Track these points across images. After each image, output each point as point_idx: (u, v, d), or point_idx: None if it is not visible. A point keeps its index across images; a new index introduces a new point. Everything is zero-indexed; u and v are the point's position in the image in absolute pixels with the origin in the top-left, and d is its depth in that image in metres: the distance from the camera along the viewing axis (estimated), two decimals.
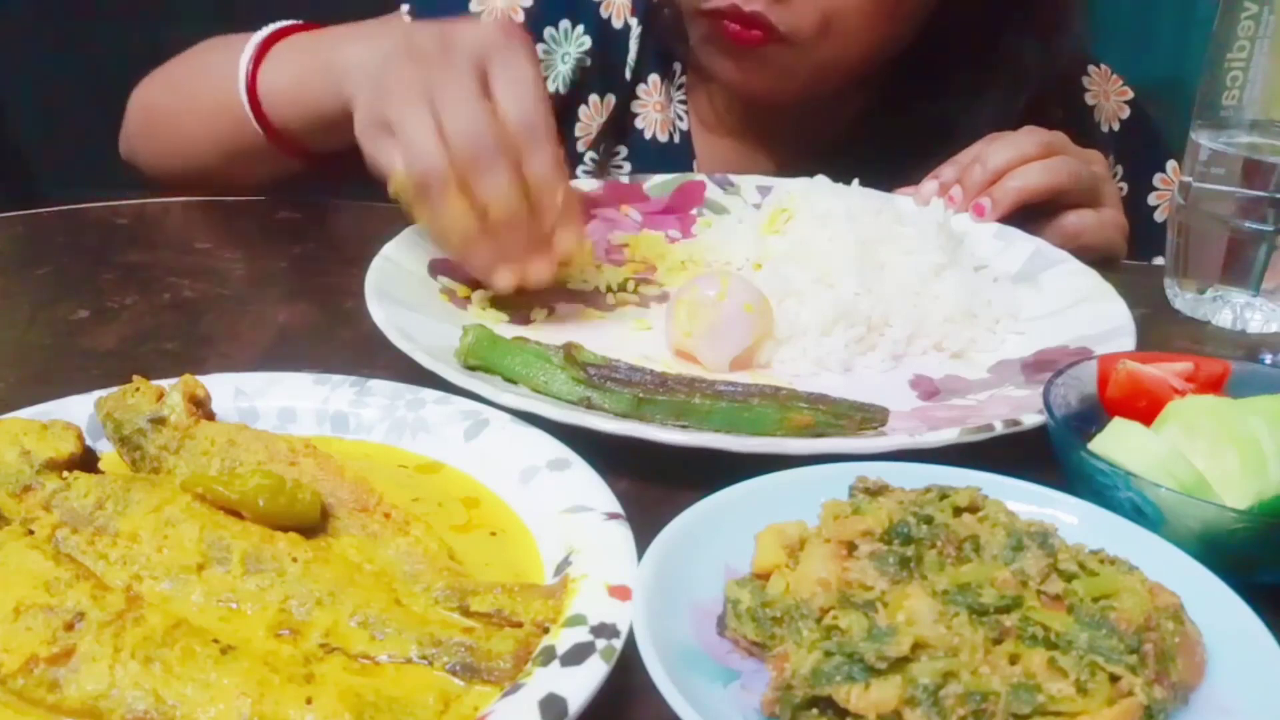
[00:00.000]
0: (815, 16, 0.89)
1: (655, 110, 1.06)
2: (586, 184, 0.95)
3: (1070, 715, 0.40)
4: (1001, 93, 0.98)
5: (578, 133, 1.05)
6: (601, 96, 1.04)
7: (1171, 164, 1.07)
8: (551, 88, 1.02)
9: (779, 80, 0.96)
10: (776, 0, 0.88)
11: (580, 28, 1.02)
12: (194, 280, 0.85)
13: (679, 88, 1.07)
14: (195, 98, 0.97)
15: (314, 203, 1.00)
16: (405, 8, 1.02)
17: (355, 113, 0.75)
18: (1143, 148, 1.08)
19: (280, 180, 0.99)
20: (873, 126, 1.03)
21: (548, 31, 1.02)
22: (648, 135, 1.06)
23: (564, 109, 1.03)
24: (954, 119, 0.97)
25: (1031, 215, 0.88)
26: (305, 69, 0.87)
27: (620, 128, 1.06)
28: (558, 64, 1.02)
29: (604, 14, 1.03)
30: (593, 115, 1.04)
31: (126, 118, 1.05)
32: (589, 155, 1.05)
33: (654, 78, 1.06)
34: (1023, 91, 0.98)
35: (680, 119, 1.07)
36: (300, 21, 0.93)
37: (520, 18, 1.02)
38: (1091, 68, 1.08)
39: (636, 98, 1.06)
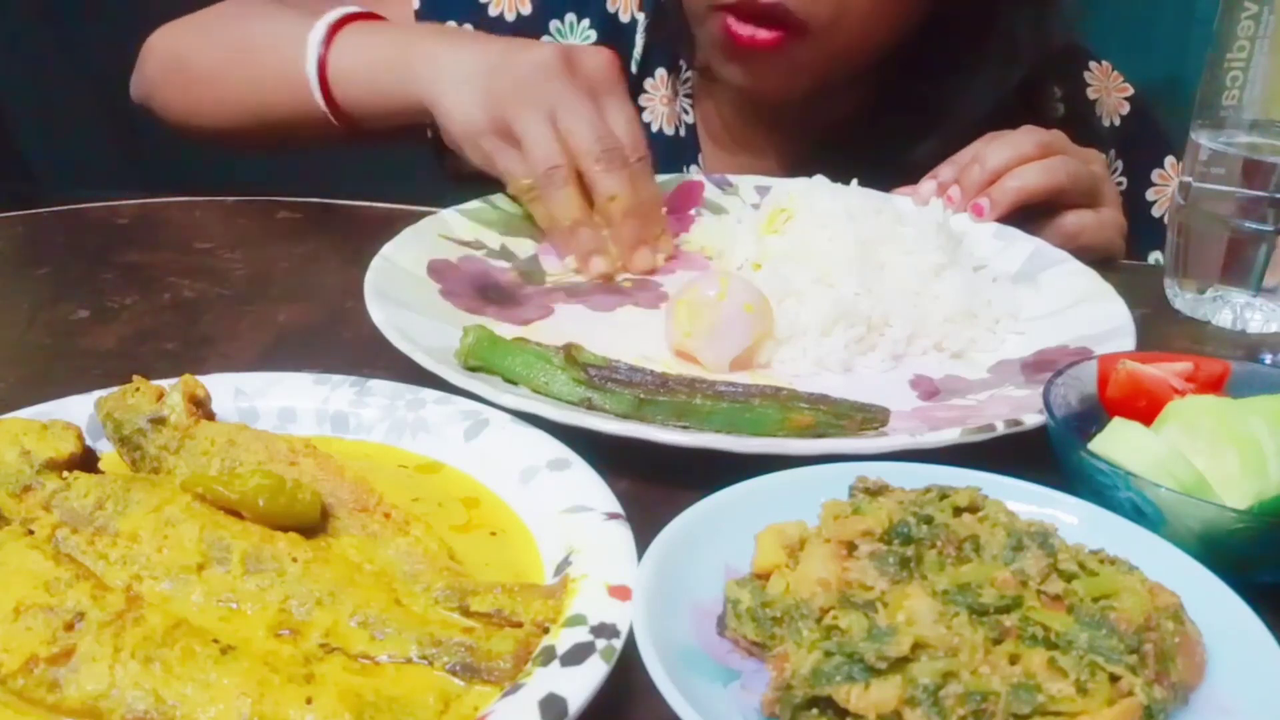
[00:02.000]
0: (831, 2, 0.89)
1: (661, 104, 1.07)
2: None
3: (1070, 715, 0.40)
4: (997, 70, 0.98)
5: None
6: None
7: (1170, 159, 1.08)
8: None
9: (789, 78, 0.96)
10: None
11: (586, 21, 1.03)
12: (194, 280, 0.85)
13: (685, 81, 1.07)
14: (248, 61, 0.98)
15: (314, 203, 1.01)
16: (416, 4, 1.02)
17: (455, 113, 0.83)
18: (1143, 143, 1.09)
19: (310, 147, 1.01)
20: (875, 114, 1.03)
21: (553, 24, 1.03)
22: (654, 129, 1.07)
23: None
24: (950, 99, 0.98)
25: (1031, 215, 0.88)
26: (382, 58, 0.89)
27: None
28: None
29: (611, 8, 1.04)
30: None
31: (146, 61, 1.06)
32: None
33: (660, 72, 1.06)
34: (1017, 69, 0.98)
35: (686, 112, 1.07)
36: (361, 9, 0.94)
37: (528, 10, 1.02)
38: (1093, 64, 1.09)
39: (644, 91, 1.07)
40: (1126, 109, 1.09)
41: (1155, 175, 1.09)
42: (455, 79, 0.84)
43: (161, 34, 1.06)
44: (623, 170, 0.82)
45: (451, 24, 1.03)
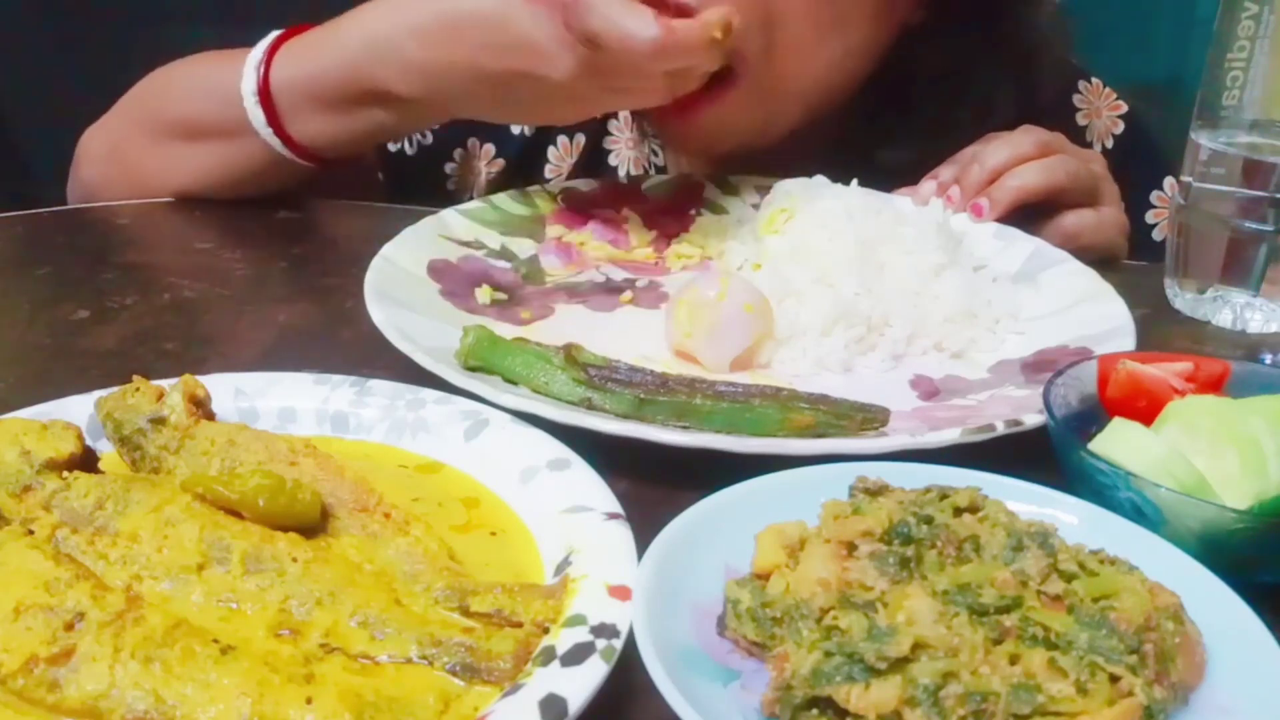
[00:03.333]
0: (760, 39, 0.83)
1: (627, 147, 1.06)
2: (584, 184, 0.95)
3: (1070, 715, 0.40)
4: (970, 130, 0.93)
5: (548, 174, 1.06)
6: (571, 137, 1.05)
7: (1170, 181, 1.02)
8: (517, 130, 1.04)
9: (733, 135, 0.91)
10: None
11: None
12: (194, 280, 0.85)
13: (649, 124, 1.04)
14: (193, 122, 0.94)
15: (314, 203, 1.00)
16: None
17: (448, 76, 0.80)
18: (1138, 164, 1.04)
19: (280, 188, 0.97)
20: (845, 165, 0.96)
21: None
22: (621, 172, 1.06)
23: (531, 150, 1.04)
24: (919, 159, 0.92)
25: (1031, 215, 0.88)
26: (322, 56, 0.86)
27: (594, 166, 1.06)
28: None
29: None
30: (562, 155, 1.05)
31: (80, 169, 1.01)
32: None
33: (625, 114, 1.05)
34: (993, 123, 0.93)
35: (655, 154, 1.06)
36: (287, 29, 0.90)
37: None
38: (1083, 83, 1.05)
39: (609, 134, 1.06)
40: (1120, 128, 1.05)
41: (1154, 197, 1.04)
42: (392, 39, 0.80)
43: (89, 137, 1.02)
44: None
45: None
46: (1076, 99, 1.05)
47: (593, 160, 1.06)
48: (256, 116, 0.88)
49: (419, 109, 0.87)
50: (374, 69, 0.84)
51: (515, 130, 1.04)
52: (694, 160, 1.03)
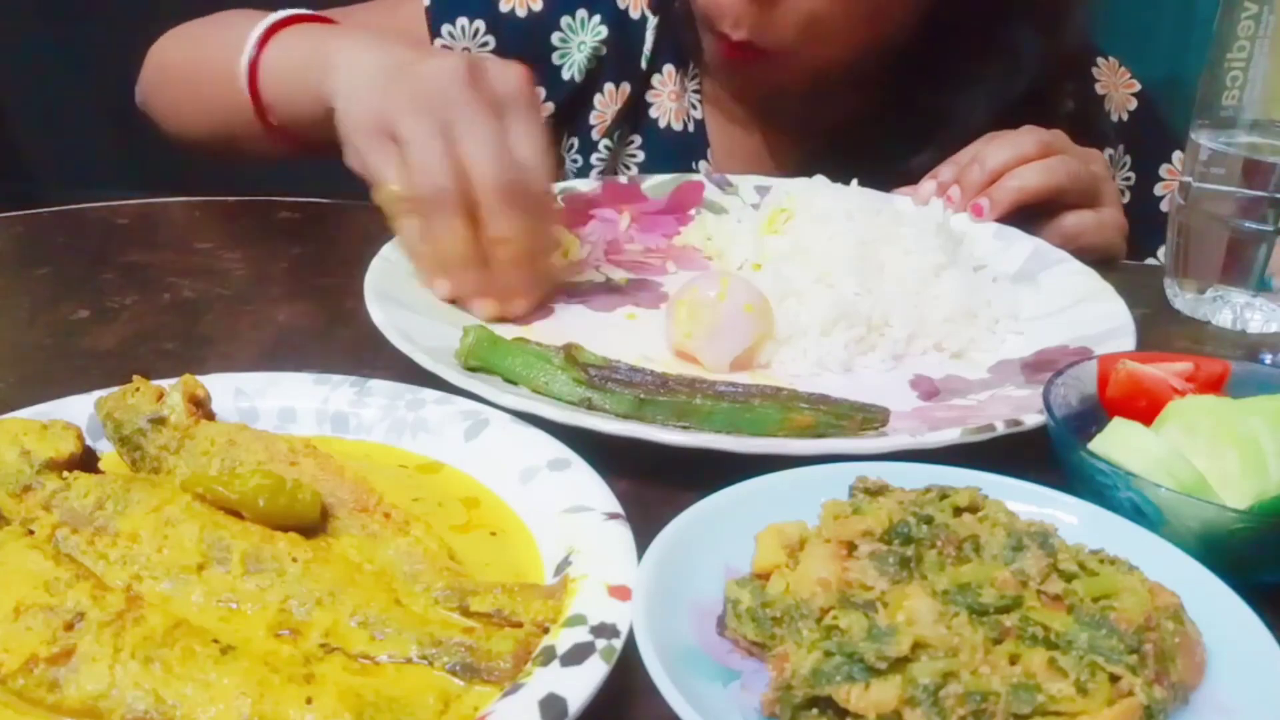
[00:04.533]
0: (794, 31, 0.91)
1: (670, 99, 1.07)
2: (584, 184, 0.95)
3: (1070, 715, 0.40)
4: (999, 82, 0.99)
5: (592, 120, 1.06)
6: (617, 85, 1.05)
7: (1178, 154, 1.08)
8: (566, 75, 1.04)
9: (779, 84, 0.98)
10: (759, 24, 0.91)
11: (597, 17, 1.03)
12: (194, 280, 0.85)
13: (693, 78, 1.08)
14: (205, 65, 0.97)
15: (314, 203, 1.00)
16: (427, 1, 1.02)
17: (347, 109, 0.75)
18: (1150, 139, 1.10)
19: (273, 162, 0.99)
20: (880, 118, 1.04)
21: (564, 20, 1.03)
22: (662, 124, 1.07)
23: (579, 97, 1.05)
24: (952, 108, 0.98)
25: (1031, 216, 0.88)
26: (302, 57, 0.86)
27: (635, 116, 1.07)
28: (574, 52, 1.03)
29: (621, 4, 1.04)
30: (607, 103, 1.06)
31: (146, 67, 1.07)
32: (603, 143, 1.06)
33: (669, 68, 1.07)
34: (1021, 79, 0.99)
35: (694, 108, 1.08)
36: (316, 13, 0.93)
37: (539, 6, 1.02)
38: (1100, 60, 1.09)
39: (651, 87, 1.07)
40: (1134, 104, 1.10)
41: (1163, 170, 1.10)
42: (354, 78, 0.77)
43: (160, 40, 1.06)
44: (520, 209, 0.72)
45: (459, 25, 1.02)
46: (1094, 71, 1.09)
47: (635, 112, 1.07)
48: (243, 84, 0.90)
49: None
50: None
51: (565, 75, 1.04)
52: (735, 108, 1.08)
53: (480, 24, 1.02)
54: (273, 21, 0.90)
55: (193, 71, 1.00)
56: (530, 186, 0.73)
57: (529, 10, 1.03)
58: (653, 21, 1.04)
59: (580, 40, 1.03)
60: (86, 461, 0.54)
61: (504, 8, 1.02)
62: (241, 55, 0.89)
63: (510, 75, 0.75)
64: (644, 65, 1.06)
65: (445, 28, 1.02)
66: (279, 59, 0.89)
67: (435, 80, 0.72)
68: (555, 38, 1.03)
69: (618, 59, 1.04)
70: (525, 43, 1.01)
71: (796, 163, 1.04)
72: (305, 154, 0.94)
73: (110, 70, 1.05)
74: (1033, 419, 0.61)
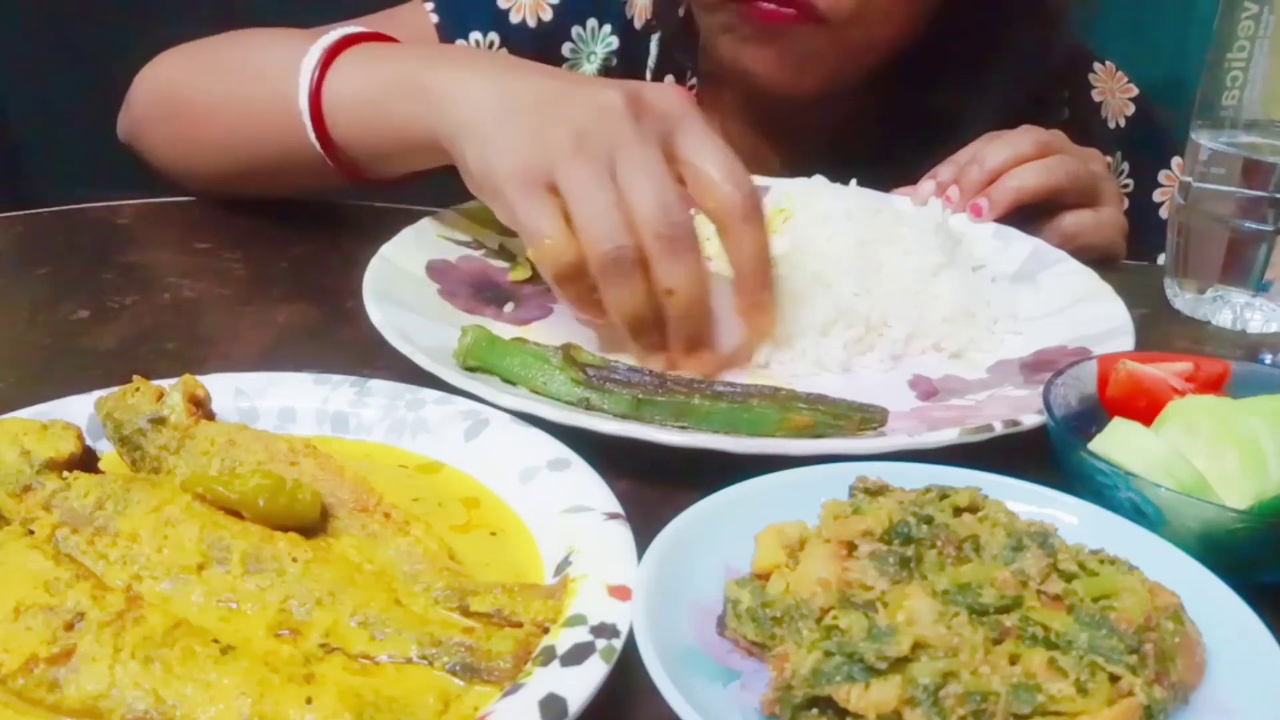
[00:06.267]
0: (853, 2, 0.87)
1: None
2: None
3: (1070, 715, 0.40)
4: (1001, 86, 0.98)
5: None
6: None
7: (1176, 160, 1.08)
8: (630, 14, 1.04)
9: (802, 68, 0.93)
10: None
11: (607, 27, 1.04)
12: (194, 280, 0.85)
13: (691, 89, 1.07)
14: (239, 93, 0.87)
15: (314, 203, 1.00)
16: (429, 5, 1.02)
17: (486, 155, 0.68)
18: (1148, 144, 1.09)
19: (315, 193, 0.93)
20: (880, 120, 1.03)
21: (575, 30, 1.03)
22: None
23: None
24: (954, 111, 0.97)
25: (1030, 215, 0.88)
26: (387, 86, 0.77)
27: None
28: (584, 63, 1.04)
29: (629, 14, 1.04)
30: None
31: (135, 94, 0.97)
32: None
33: (669, 79, 1.06)
34: (1023, 84, 0.98)
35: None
36: (366, 30, 0.83)
37: (549, 15, 1.02)
38: (1097, 65, 1.09)
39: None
40: (1131, 110, 1.09)
41: (1162, 176, 1.09)
42: (481, 115, 0.69)
43: (154, 64, 0.96)
44: (690, 255, 0.66)
45: (473, 40, 1.01)
46: (1091, 77, 1.09)
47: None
48: (305, 116, 0.80)
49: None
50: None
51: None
52: (729, 118, 1.04)
53: (494, 36, 1.02)
54: (330, 44, 0.79)
55: (219, 103, 0.89)
56: (727, 218, 0.68)
57: (539, 20, 1.02)
58: (656, 35, 1.04)
59: (591, 50, 1.04)
60: (86, 461, 0.54)
61: (514, 19, 1.02)
62: (297, 84, 0.79)
63: (670, 96, 0.70)
64: (649, 77, 1.06)
65: (460, 43, 1.01)
66: (351, 88, 0.78)
67: (597, 120, 0.66)
68: (566, 48, 1.03)
69: (626, 70, 1.05)
70: (538, 53, 0.98)
71: (796, 163, 1.04)
72: (366, 185, 0.87)
73: (110, 70, 1.05)
74: (1031, 419, 0.61)
